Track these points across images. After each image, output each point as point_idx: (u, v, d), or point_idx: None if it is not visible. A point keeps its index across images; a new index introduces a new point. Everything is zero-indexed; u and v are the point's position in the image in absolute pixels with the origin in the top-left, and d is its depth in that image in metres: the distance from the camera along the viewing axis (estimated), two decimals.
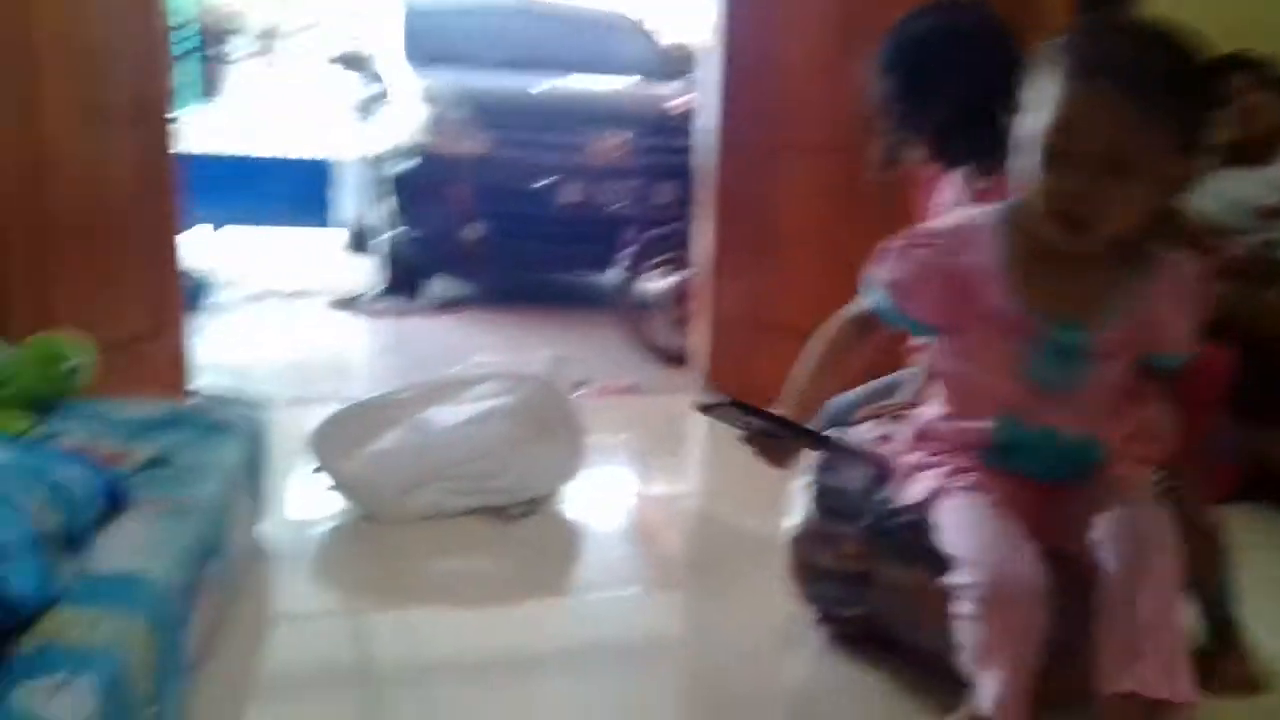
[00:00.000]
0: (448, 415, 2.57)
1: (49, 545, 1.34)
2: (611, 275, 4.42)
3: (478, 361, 2.83)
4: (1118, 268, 1.45)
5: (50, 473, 1.47)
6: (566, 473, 2.63)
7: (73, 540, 1.43)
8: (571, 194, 5.18)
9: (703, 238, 3.62)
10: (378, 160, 5.60)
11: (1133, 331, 1.46)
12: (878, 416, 1.91)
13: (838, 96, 3.37)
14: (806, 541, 1.84)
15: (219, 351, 4.16)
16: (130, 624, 1.33)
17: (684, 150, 3.99)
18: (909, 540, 1.64)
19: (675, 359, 4.15)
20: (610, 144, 5.20)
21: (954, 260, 1.49)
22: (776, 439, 1.56)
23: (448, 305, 5.49)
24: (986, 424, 1.53)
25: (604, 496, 2.70)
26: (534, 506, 2.51)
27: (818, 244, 3.37)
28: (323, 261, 7.26)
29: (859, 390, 2.11)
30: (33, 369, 2.18)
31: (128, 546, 1.55)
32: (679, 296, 4.16)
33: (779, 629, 1.96)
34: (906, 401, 1.85)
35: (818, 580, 1.85)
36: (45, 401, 2.20)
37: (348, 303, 5.47)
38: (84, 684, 1.16)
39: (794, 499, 1.95)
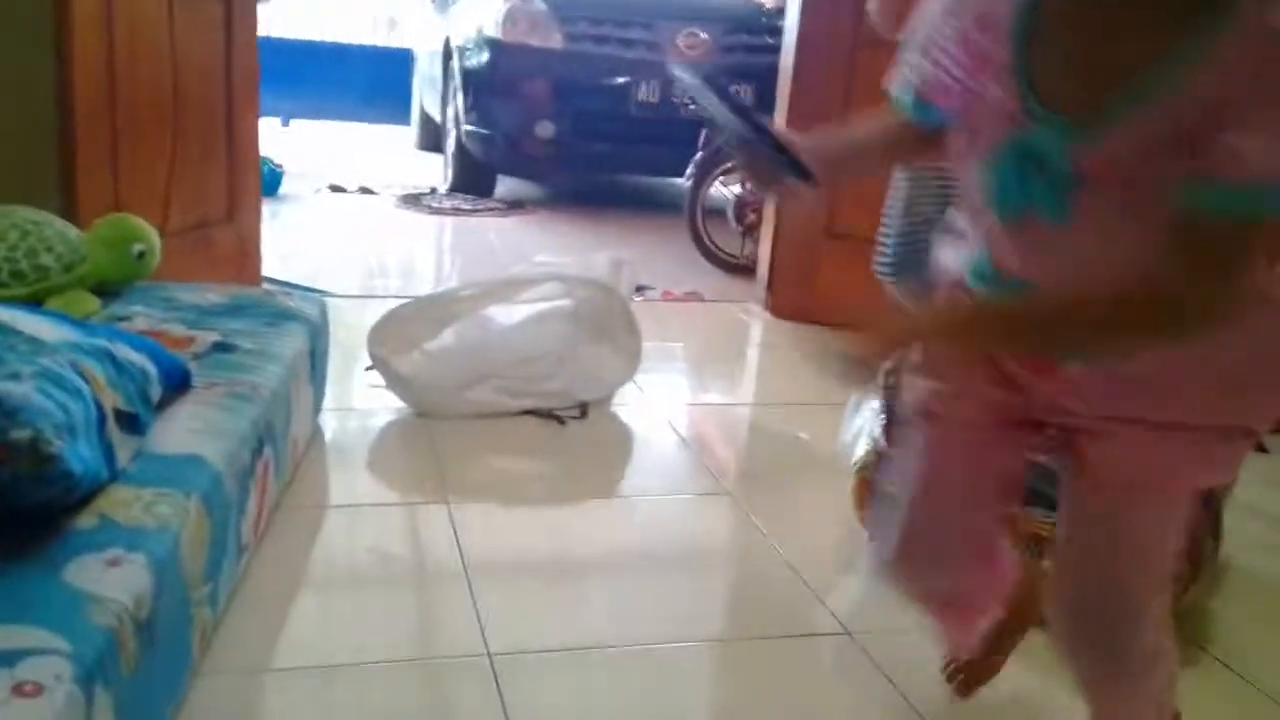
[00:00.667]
0: (506, 315, 2.57)
1: (109, 424, 1.36)
2: (682, 180, 4.35)
3: (539, 261, 2.81)
4: (1171, 25, 0.88)
5: (114, 353, 1.49)
6: (622, 377, 2.63)
7: (133, 421, 1.45)
8: (648, 93, 5.09)
9: None
10: (452, 53, 5.54)
11: (1175, 130, 0.88)
12: None
13: None
14: (875, 467, 1.81)
15: (287, 243, 4.21)
16: (186, 505, 1.36)
17: (770, 50, 3.89)
18: None
19: (741, 268, 4.10)
20: (691, 41, 5.07)
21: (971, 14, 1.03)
22: (758, 151, 1.12)
23: (515, 205, 5.47)
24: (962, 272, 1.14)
25: (659, 402, 2.69)
26: (588, 409, 2.51)
27: None
28: (393, 158, 7.26)
29: None
30: (102, 252, 2.21)
31: (187, 429, 1.57)
32: (746, 205, 4.09)
33: (832, 547, 1.95)
34: None
35: (882, 505, 1.81)
36: (114, 285, 2.24)
37: (414, 199, 5.47)
38: (137, 560, 1.19)
39: (858, 420, 1.92)
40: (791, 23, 3.39)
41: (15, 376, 1.23)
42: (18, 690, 0.93)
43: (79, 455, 1.20)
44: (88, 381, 1.35)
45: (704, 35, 5.08)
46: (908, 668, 1.56)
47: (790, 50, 3.39)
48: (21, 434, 1.13)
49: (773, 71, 3.63)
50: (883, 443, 1.77)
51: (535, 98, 5.04)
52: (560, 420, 2.46)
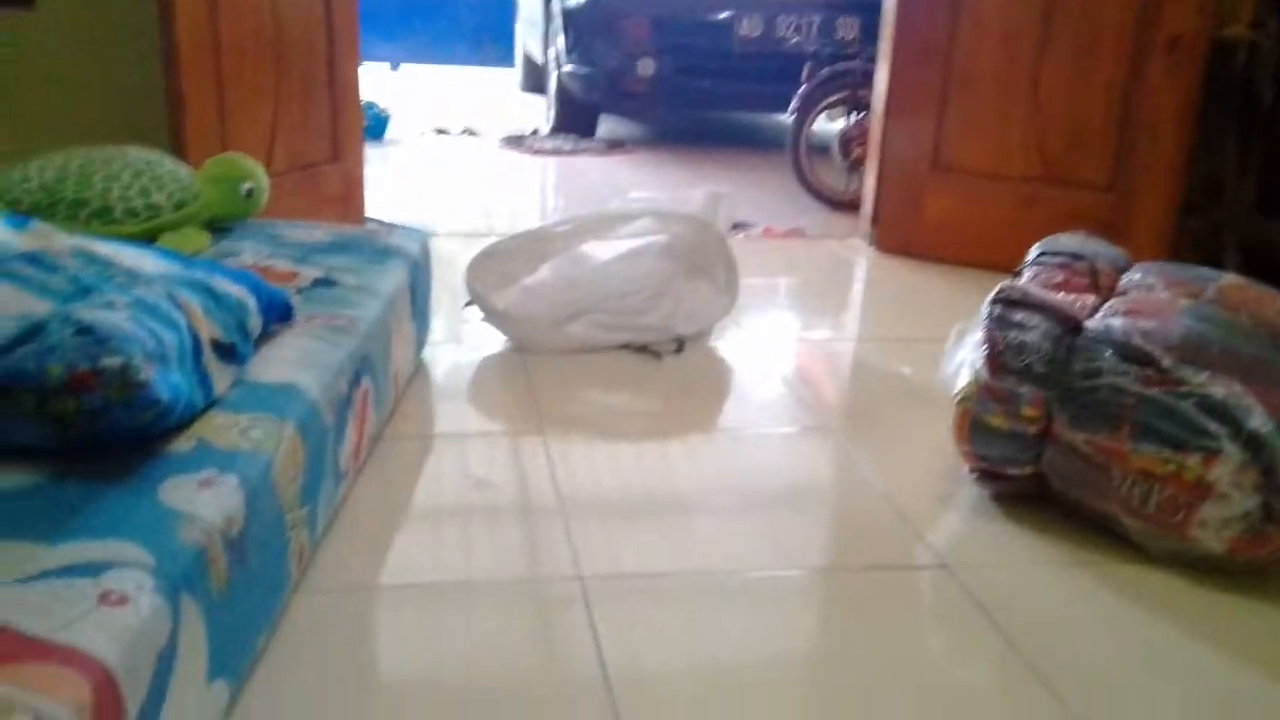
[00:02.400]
0: (603, 250, 2.56)
1: (205, 354, 1.40)
2: (786, 115, 4.26)
3: (634, 197, 2.79)
4: None
5: (212, 285, 1.53)
6: (719, 312, 2.59)
7: (231, 351, 1.48)
8: (750, 28, 4.98)
9: (881, 75, 3.42)
10: None
11: None
12: None
13: None
14: (978, 399, 1.74)
15: (392, 184, 4.27)
16: (280, 430, 1.39)
17: None
18: (1096, 404, 1.55)
19: (846, 204, 4.01)
20: None
21: None
22: None
23: (616, 145, 5.44)
24: None
25: (758, 338, 2.65)
26: (684, 345, 2.49)
27: (1004, 80, 3.14)
28: (497, 100, 7.29)
29: None
30: (212, 190, 2.26)
31: (285, 359, 1.61)
32: (852, 139, 3.98)
33: (932, 481, 1.90)
34: None
35: (987, 438, 1.74)
36: (224, 222, 2.30)
37: (516, 141, 5.48)
38: (230, 481, 1.22)
39: (960, 353, 1.86)
40: None
41: (110, 306, 1.26)
42: (104, 599, 0.96)
43: (169, 383, 1.23)
44: (184, 312, 1.38)
45: None
46: (1004, 602, 1.52)
47: None
48: (112, 361, 1.16)
49: (876, 4, 3.51)
50: (985, 374, 1.71)
51: (635, 35, 4.98)
52: (656, 355, 2.44)
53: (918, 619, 1.53)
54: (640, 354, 2.45)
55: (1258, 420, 1.45)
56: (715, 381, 2.43)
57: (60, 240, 1.46)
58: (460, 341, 2.54)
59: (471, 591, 1.52)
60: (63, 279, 1.34)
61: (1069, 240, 1.98)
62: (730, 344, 2.59)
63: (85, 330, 1.20)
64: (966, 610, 1.51)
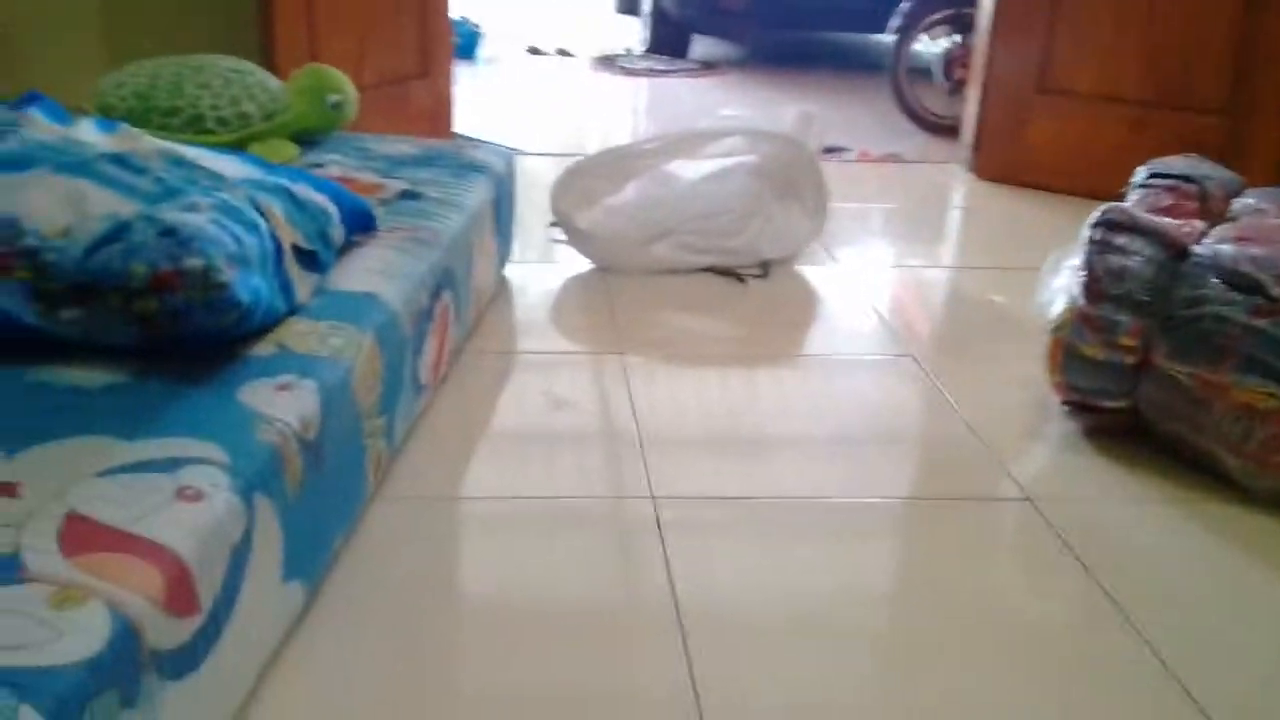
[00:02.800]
0: (688, 170, 2.51)
1: (286, 259, 1.41)
2: (885, 35, 4.11)
3: (724, 116, 2.72)
4: None
5: (295, 192, 1.53)
6: (808, 235, 2.54)
7: (313, 258, 1.49)
8: None
9: None
10: None
11: None
12: None
13: None
14: (1073, 327, 1.67)
15: (482, 100, 4.25)
16: (359, 339, 1.39)
17: None
18: (1199, 334, 1.47)
19: (948, 129, 3.87)
20: None
21: None
22: None
23: (710, 66, 5.33)
24: None
25: (847, 264, 2.59)
26: (770, 268, 2.44)
27: None
28: (592, 20, 7.18)
29: None
30: (301, 101, 2.27)
31: (367, 269, 1.61)
32: (955, 60, 3.83)
33: (1022, 413, 1.84)
34: None
35: (1081, 369, 1.67)
36: (312, 134, 2.31)
37: (609, 61, 5.41)
38: (308, 386, 1.23)
39: (1057, 280, 1.78)
40: None
41: (193, 208, 1.27)
42: (180, 494, 0.98)
43: (249, 286, 1.24)
44: (266, 217, 1.39)
45: None
46: (1089, 537, 1.47)
47: None
48: (195, 262, 1.17)
49: None
50: (1082, 301, 1.63)
51: None
52: (740, 279, 2.40)
53: (998, 552, 1.49)
54: (724, 277, 2.41)
55: None
56: (800, 308, 2.38)
57: (147, 143, 1.47)
58: (545, 260, 2.53)
59: (546, 511, 1.53)
60: (149, 181, 1.35)
61: (1179, 163, 1.88)
62: (818, 270, 2.53)
63: (169, 231, 1.21)
64: (1049, 544, 1.46)
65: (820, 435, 1.78)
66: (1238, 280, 1.48)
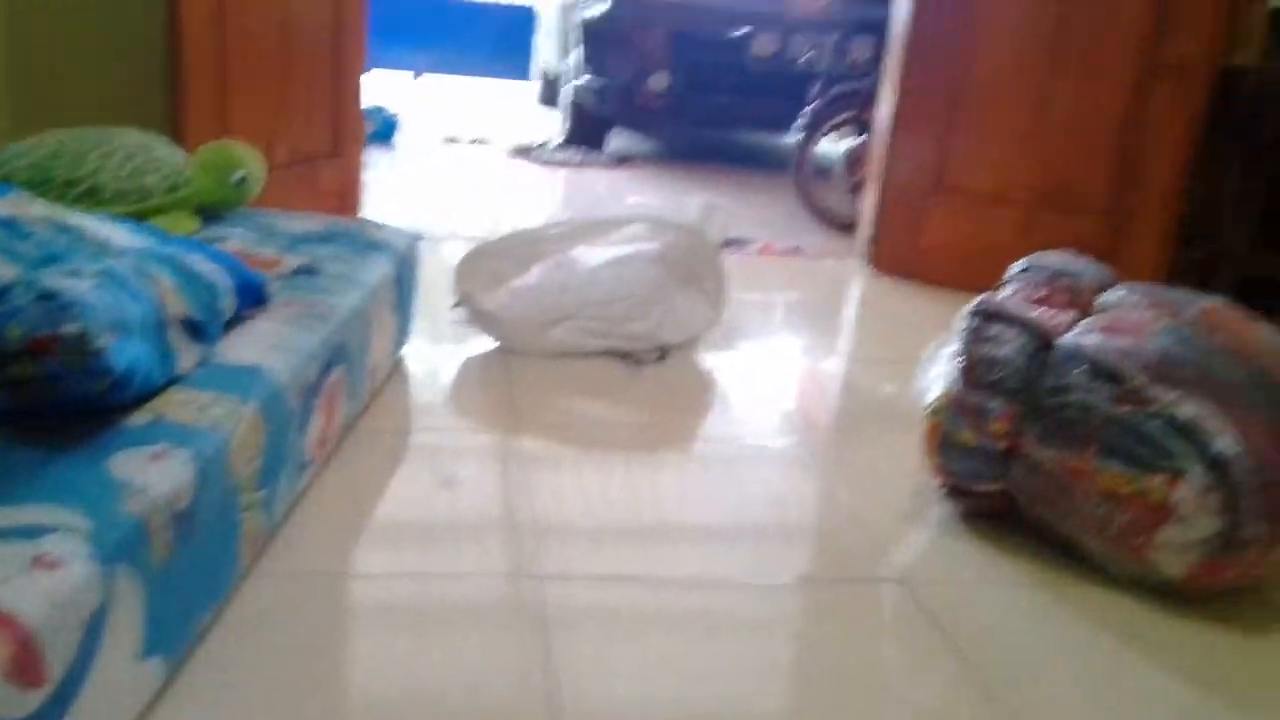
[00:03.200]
0: (592, 255, 2.56)
1: (171, 330, 1.40)
2: (792, 137, 4.26)
3: (631, 203, 2.79)
4: None
5: (185, 262, 1.53)
6: (706, 323, 2.59)
7: (200, 329, 1.48)
8: (765, 46, 4.99)
9: (886, 95, 3.42)
10: (571, 5, 5.53)
11: None
12: None
13: None
14: (948, 413, 1.73)
15: (394, 184, 4.28)
16: (240, 411, 1.38)
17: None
18: (1064, 421, 1.54)
19: (849, 226, 4.00)
20: None
21: None
22: None
23: (625, 159, 5.45)
24: None
25: (744, 352, 2.64)
26: (668, 353, 2.48)
27: (1013, 100, 3.15)
28: (512, 111, 7.32)
29: None
30: (204, 176, 2.27)
31: (256, 341, 1.61)
32: (856, 161, 3.98)
33: (903, 498, 1.89)
34: None
35: (956, 453, 1.74)
36: (215, 208, 2.31)
37: (525, 151, 5.50)
38: (182, 456, 1.21)
39: (935, 368, 1.85)
40: None
41: (76, 274, 1.27)
42: (37, 562, 0.96)
43: (128, 354, 1.23)
44: (153, 286, 1.39)
45: None
46: (961, 619, 1.50)
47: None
48: (72, 328, 1.16)
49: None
50: (957, 387, 1.70)
51: (650, 49, 5.00)
52: (639, 363, 2.44)
53: (875, 635, 1.51)
54: (623, 361, 2.44)
55: (1225, 443, 1.44)
56: (696, 393, 2.42)
57: (35, 208, 1.47)
58: (445, 341, 2.54)
59: (428, 593, 1.51)
60: (33, 245, 1.35)
61: (1054, 257, 1.98)
62: (717, 357, 2.58)
63: (47, 296, 1.20)
64: (921, 626, 1.49)
65: (710, 521, 1.80)
66: (1101, 370, 1.56)
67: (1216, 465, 1.45)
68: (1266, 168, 3.07)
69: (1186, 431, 1.47)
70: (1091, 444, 1.55)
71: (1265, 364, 1.59)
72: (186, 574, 1.20)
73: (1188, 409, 1.47)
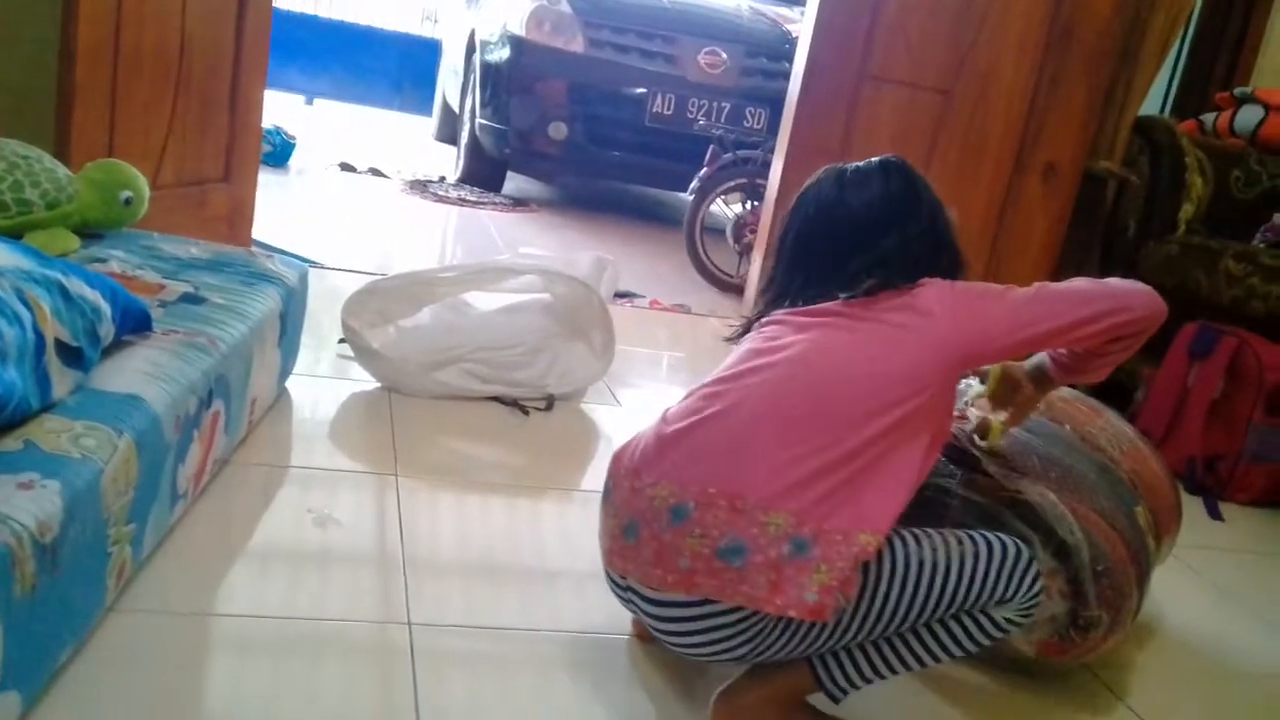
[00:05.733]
0: (483, 301, 2.58)
1: (48, 354, 1.37)
2: (686, 195, 4.36)
3: (523, 253, 2.82)
4: None
5: (66, 286, 1.50)
6: (593, 375, 2.63)
7: (77, 355, 1.45)
8: (663, 106, 5.10)
9: (775, 167, 3.54)
10: (475, 47, 5.57)
11: None
12: None
13: (939, 32, 3.27)
14: None
15: (286, 212, 4.22)
16: (115, 442, 1.36)
17: (789, 76, 3.90)
18: (922, 502, 1.63)
19: (735, 287, 4.11)
20: (712, 60, 5.10)
21: None
22: None
23: (520, 203, 5.49)
24: None
25: (628, 404, 2.69)
26: (553, 403, 2.51)
27: None
28: (408, 145, 7.29)
29: None
30: (89, 194, 2.22)
31: (135, 370, 1.58)
32: (745, 225, 4.10)
33: None
34: None
35: None
36: (98, 228, 2.25)
37: (422, 186, 5.49)
38: (50, 486, 1.19)
39: None
40: (802, 50, 3.41)
41: None
42: None
43: (2, 380, 1.20)
44: (30, 309, 1.36)
45: (724, 54, 5.11)
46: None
47: (798, 77, 3.41)
48: None
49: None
50: None
51: (551, 98, 5.06)
52: (524, 410, 2.46)
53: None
54: (509, 408, 2.46)
55: (1068, 530, 1.53)
56: (579, 443, 2.45)
57: None
58: (329, 376, 2.52)
59: (296, 632, 1.50)
60: None
61: None
62: (601, 408, 2.62)
63: None
64: None
65: (579, 570, 1.82)
66: (957, 456, 1.64)
67: (1060, 552, 1.54)
68: (1123, 268, 3.29)
69: (1034, 518, 1.56)
70: (946, 524, 1.62)
71: (1109, 455, 1.71)
72: (49, 608, 1.17)
73: (1035, 496, 1.57)
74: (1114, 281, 1.49)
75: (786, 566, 1.25)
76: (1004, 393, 1.63)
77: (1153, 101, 3.53)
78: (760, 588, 1.25)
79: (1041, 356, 1.59)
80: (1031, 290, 1.45)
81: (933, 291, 1.42)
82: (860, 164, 1.58)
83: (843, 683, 1.35)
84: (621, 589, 1.43)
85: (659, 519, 1.33)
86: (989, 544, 1.36)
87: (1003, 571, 1.33)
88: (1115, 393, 2.78)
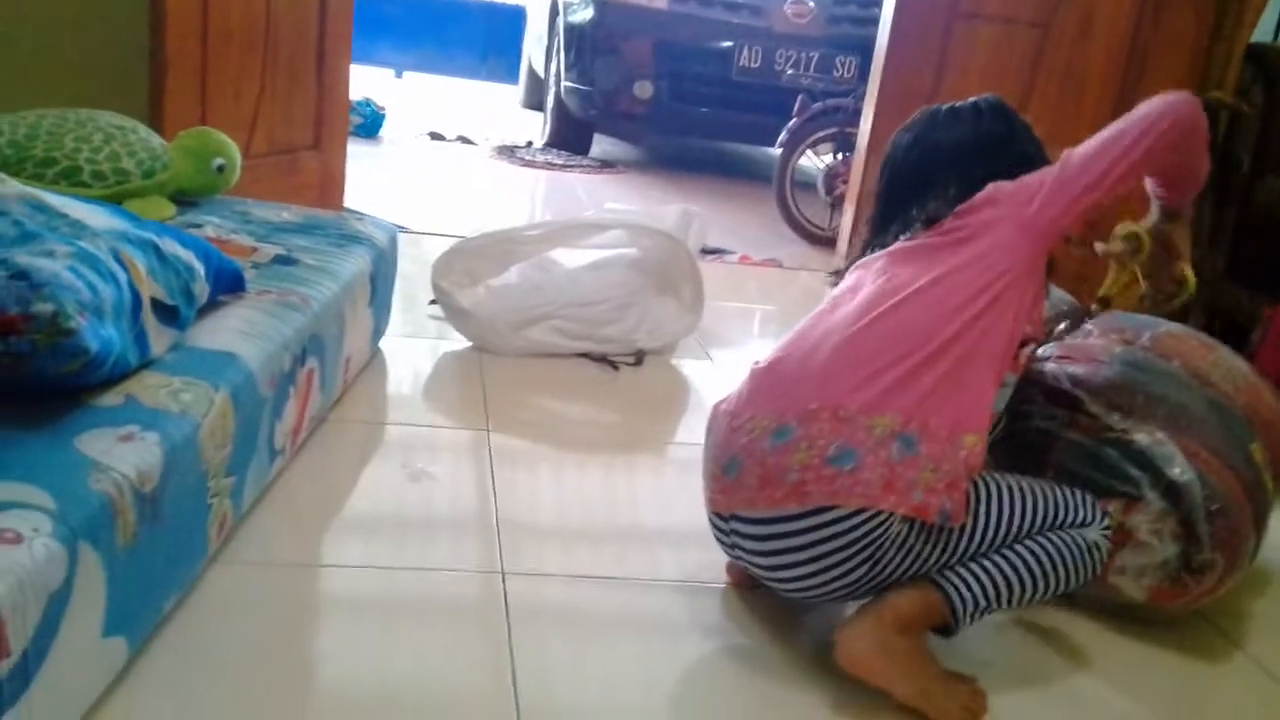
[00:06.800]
0: (570, 258, 2.57)
1: (144, 312, 1.40)
2: (774, 149, 4.29)
3: (610, 208, 2.80)
4: None
5: (160, 246, 1.53)
6: (682, 330, 2.61)
7: (173, 314, 1.48)
8: (750, 59, 5.02)
9: (866, 114, 3.45)
10: (559, 9, 5.55)
11: None
12: None
13: None
14: None
15: (377, 180, 4.28)
16: (212, 397, 1.38)
17: (878, 22, 3.80)
18: (1023, 445, 1.58)
19: (827, 240, 4.03)
20: (799, 9, 4.99)
21: None
22: None
23: (607, 164, 5.47)
24: None
25: (718, 359, 2.66)
26: (643, 358, 2.49)
27: None
28: (495, 113, 7.33)
29: None
30: (183, 162, 2.27)
31: (230, 328, 1.61)
32: (836, 176, 4.02)
33: None
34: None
35: None
36: (192, 195, 2.30)
37: (509, 151, 5.51)
38: (150, 438, 1.22)
39: None
40: None
41: (50, 254, 1.26)
42: (0, 537, 0.95)
43: (100, 335, 1.23)
44: (127, 269, 1.39)
45: (811, 3, 5.00)
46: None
47: (887, 20, 3.31)
48: (44, 307, 1.16)
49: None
50: None
51: (636, 56, 5.02)
52: (614, 366, 2.45)
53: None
54: (598, 364, 2.46)
55: (1178, 469, 1.47)
56: (670, 398, 2.44)
57: (10, 187, 1.46)
58: (421, 336, 2.54)
59: (393, 585, 1.51)
60: (7, 224, 1.34)
61: None
62: (691, 364, 2.60)
63: (20, 275, 1.20)
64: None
65: (678, 525, 1.81)
66: (1057, 396, 1.58)
67: (1170, 492, 1.47)
68: (1236, 206, 3.13)
69: (1141, 458, 1.49)
70: (1049, 468, 1.57)
71: (1221, 390, 1.62)
72: (152, 556, 1.20)
73: (1142, 435, 1.50)
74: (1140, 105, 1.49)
75: (898, 464, 1.26)
76: (1157, 251, 1.62)
77: (1265, 28, 3.33)
78: (874, 486, 1.26)
79: (1153, 204, 1.60)
80: (1068, 152, 1.47)
81: (987, 190, 1.45)
82: (956, 103, 1.60)
83: (970, 600, 1.32)
84: (725, 530, 1.43)
85: (760, 446, 1.34)
86: (1051, 487, 1.42)
87: (1072, 499, 1.40)
88: (1232, 332, 2.65)
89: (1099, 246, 1.65)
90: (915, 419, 1.29)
